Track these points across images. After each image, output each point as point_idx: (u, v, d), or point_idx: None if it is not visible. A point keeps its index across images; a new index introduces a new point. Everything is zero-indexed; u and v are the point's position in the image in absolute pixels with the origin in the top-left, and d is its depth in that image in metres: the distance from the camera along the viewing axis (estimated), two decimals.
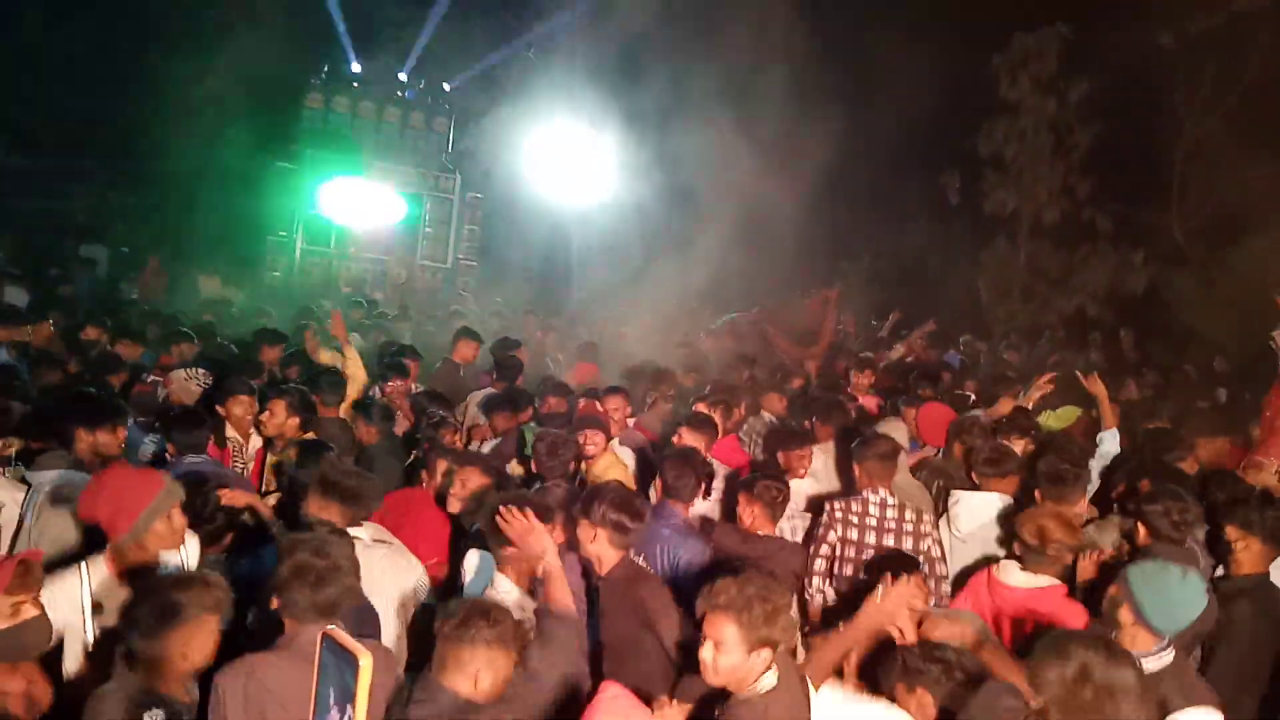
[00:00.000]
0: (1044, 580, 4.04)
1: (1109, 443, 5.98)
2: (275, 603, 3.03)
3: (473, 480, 4.59)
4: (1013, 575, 4.12)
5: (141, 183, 18.76)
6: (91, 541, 3.76)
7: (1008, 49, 16.16)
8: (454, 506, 4.59)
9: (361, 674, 2.25)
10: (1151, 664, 3.30)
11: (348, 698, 2.29)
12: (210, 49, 16.14)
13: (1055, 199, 16.19)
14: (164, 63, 16.93)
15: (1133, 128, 16.02)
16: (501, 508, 3.55)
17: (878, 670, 3.41)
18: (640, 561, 4.21)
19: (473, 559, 4.12)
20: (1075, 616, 3.93)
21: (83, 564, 3.52)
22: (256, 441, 5.69)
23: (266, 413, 5.50)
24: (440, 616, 2.95)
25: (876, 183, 17.11)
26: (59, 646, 3.38)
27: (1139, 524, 4.42)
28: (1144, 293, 15.89)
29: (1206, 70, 15.89)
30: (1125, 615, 3.41)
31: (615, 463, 5.62)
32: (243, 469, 5.51)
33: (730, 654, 2.89)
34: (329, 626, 2.89)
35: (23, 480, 4.41)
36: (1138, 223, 16.15)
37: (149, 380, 6.86)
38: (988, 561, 4.56)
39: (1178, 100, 16.46)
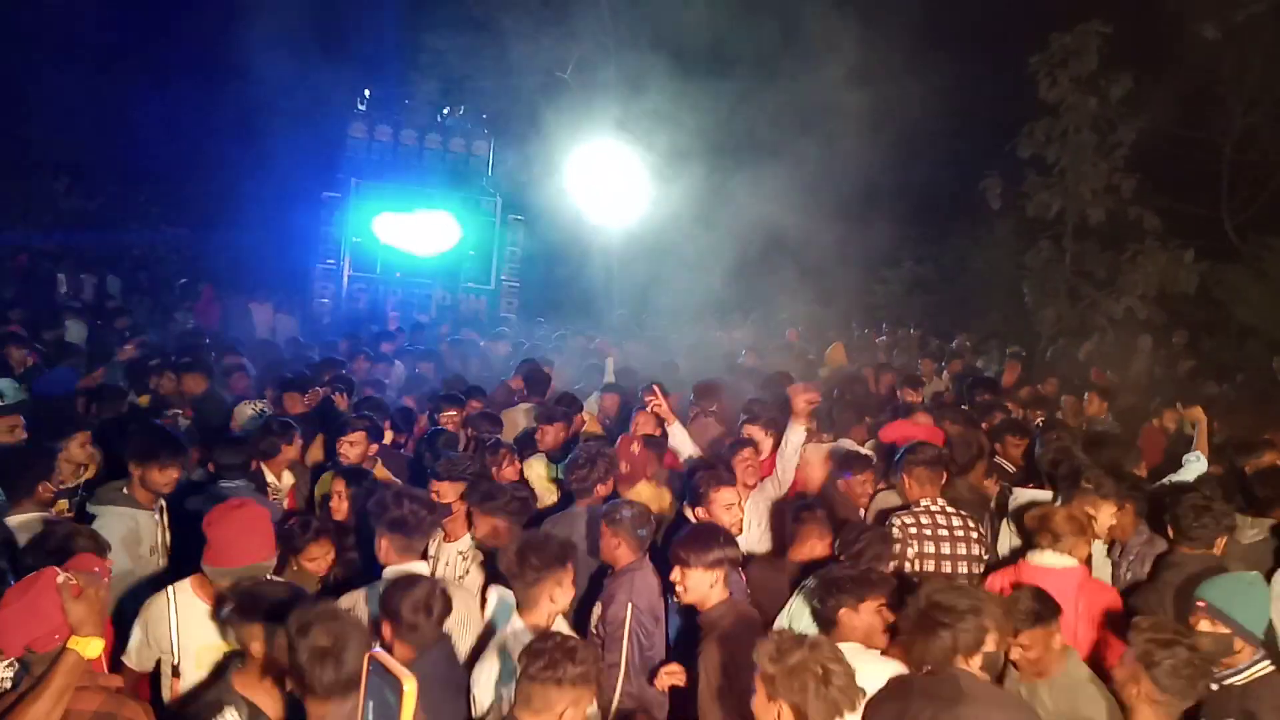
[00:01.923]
0: (1068, 562, 4.25)
1: (1196, 464, 5.85)
2: (290, 685, 2.96)
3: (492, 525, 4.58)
4: (1042, 557, 4.31)
5: (194, 216, 19.32)
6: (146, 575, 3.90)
7: (1046, 49, 15.95)
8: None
9: (405, 699, 2.30)
10: (1248, 675, 3.47)
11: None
12: (255, 84, 16.58)
13: (1100, 198, 15.88)
14: (212, 100, 17.47)
15: (1178, 122, 15.73)
16: None
17: None
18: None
19: (492, 596, 4.17)
20: (1099, 592, 4.33)
21: (170, 589, 3.71)
22: (289, 479, 5.80)
23: (348, 443, 5.62)
24: (525, 656, 2.97)
25: (917, 188, 16.98)
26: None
27: (1168, 525, 4.53)
28: (1196, 291, 15.51)
29: (1253, 59, 15.54)
30: (1239, 645, 3.50)
31: (646, 485, 5.59)
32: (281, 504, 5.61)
33: (756, 695, 2.91)
34: (375, 649, 2.97)
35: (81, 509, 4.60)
36: (1186, 219, 15.79)
37: (170, 414, 6.99)
38: None
39: (1224, 92, 16.12)
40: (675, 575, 3.92)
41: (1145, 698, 3.05)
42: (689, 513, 4.89)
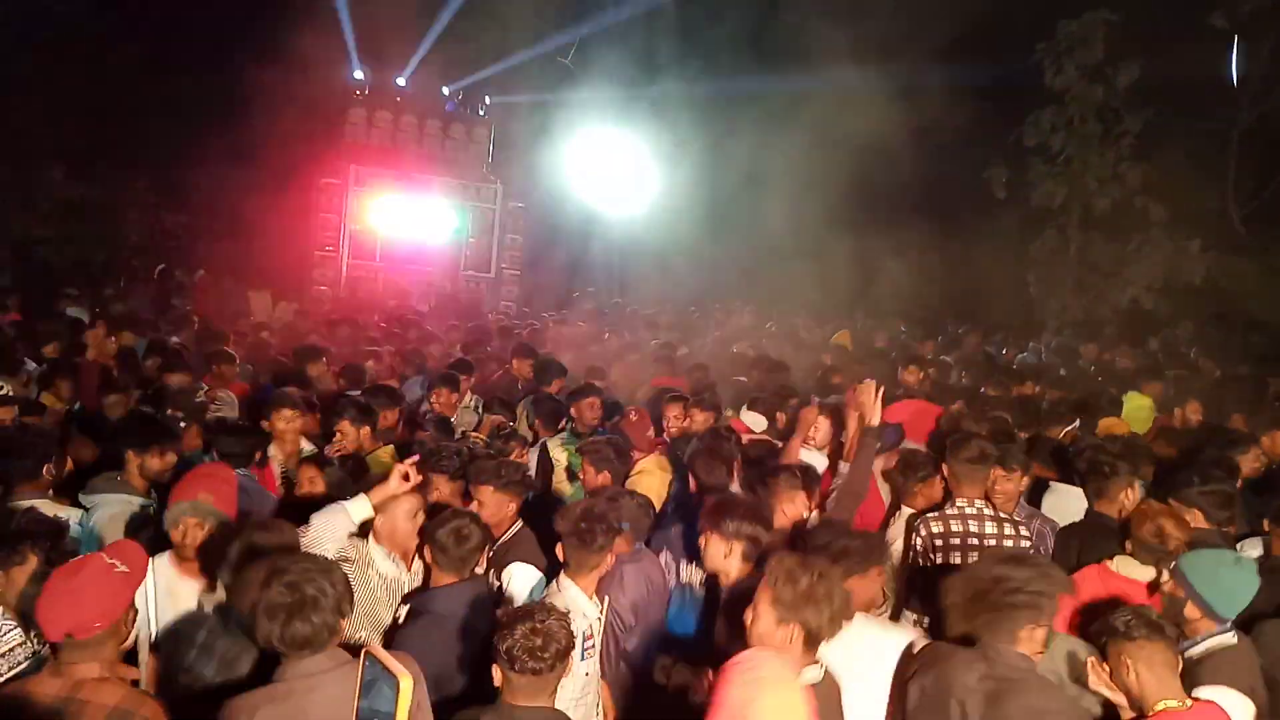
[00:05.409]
0: (1152, 573, 4.07)
1: None
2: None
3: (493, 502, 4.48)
4: (1131, 569, 4.07)
5: (191, 202, 19.19)
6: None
7: (1052, 37, 15.82)
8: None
9: (401, 695, 2.24)
10: (1206, 646, 3.53)
11: (388, 718, 2.28)
12: (255, 70, 16.45)
13: (1105, 188, 15.77)
14: (210, 86, 17.33)
15: (1184, 112, 15.60)
16: None
17: None
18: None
19: (523, 575, 4.09)
20: None
21: (149, 562, 3.61)
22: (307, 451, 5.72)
23: (337, 434, 5.60)
24: (507, 649, 2.87)
25: (921, 178, 16.85)
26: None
27: (1172, 503, 4.45)
28: (1201, 281, 15.41)
29: (1261, 49, 15.43)
30: (1191, 611, 3.58)
31: (651, 467, 5.64)
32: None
33: (761, 620, 2.98)
34: (370, 645, 2.88)
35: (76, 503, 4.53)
36: (1192, 209, 15.68)
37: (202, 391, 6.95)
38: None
39: (1231, 81, 16.01)
40: (701, 540, 3.94)
41: (1143, 662, 3.09)
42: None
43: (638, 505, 4.37)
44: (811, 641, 2.95)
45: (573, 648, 2.98)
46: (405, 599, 3.92)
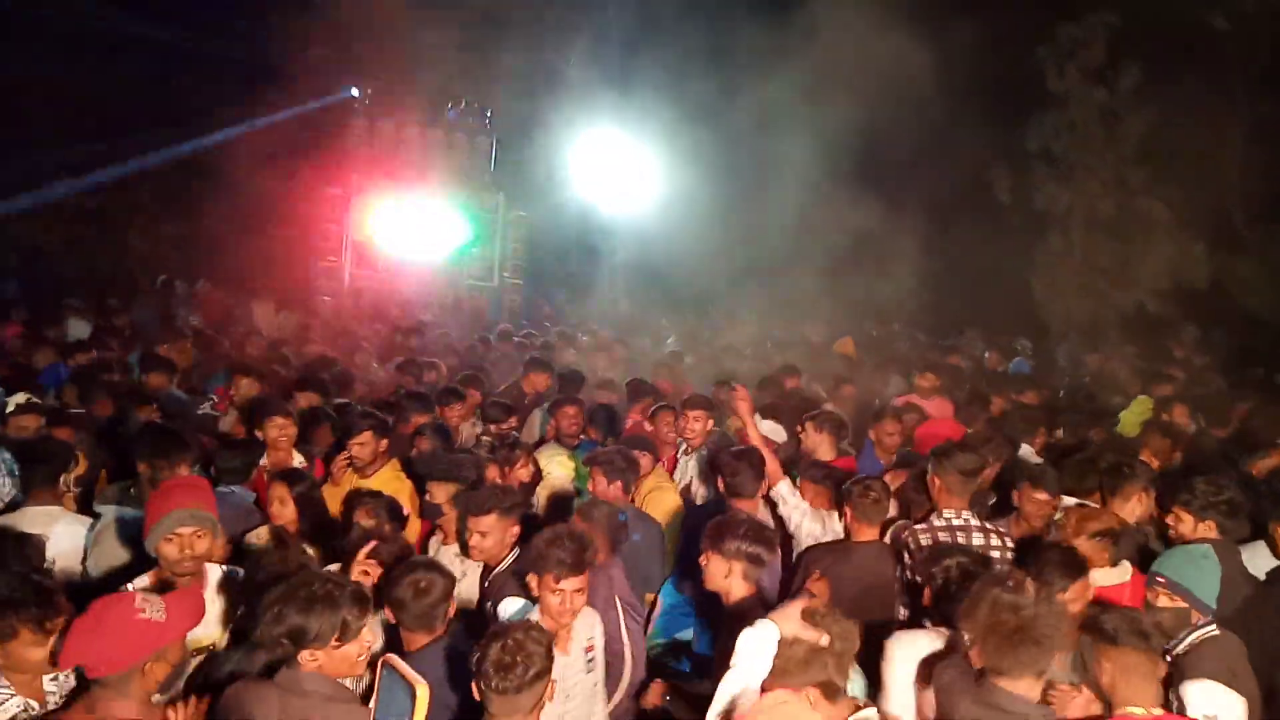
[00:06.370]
0: (1125, 570, 4.12)
1: None
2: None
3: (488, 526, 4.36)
4: (1108, 577, 4.10)
5: (194, 212, 19.25)
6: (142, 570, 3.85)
7: (1053, 40, 15.86)
8: (475, 556, 4.39)
9: (418, 704, 2.24)
10: (1193, 639, 3.54)
11: None
12: (255, 79, 16.50)
13: (1109, 191, 15.79)
14: (212, 95, 17.39)
15: (1187, 113, 15.60)
16: None
17: None
18: None
19: (512, 609, 4.02)
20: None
21: (129, 585, 3.64)
22: (299, 464, 5.66)
23: (357, 444, 5.46)
24: (481, 665, 2.79)
25: (923, 182, 16.86)
26: None
27: (1178, 511, 4.44)
28: (1206, 283, 15.40)
29: (1262, 48, 15.44)
30: (1194, 617, 3.58)
31: (660, 484, 5.63)
32: None
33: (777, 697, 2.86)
34: (389, 654, 2.89)
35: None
36: (1196, 211, 15.67)
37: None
38: None
39: (1233, 82, 16.01)
40: (702, 560, 3.90)
41: (1121, 669, 3.06)
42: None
43: (611, 513, 4.39)
44: (831, 693, 2.83)
45: (549, 670, 2.86)
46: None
